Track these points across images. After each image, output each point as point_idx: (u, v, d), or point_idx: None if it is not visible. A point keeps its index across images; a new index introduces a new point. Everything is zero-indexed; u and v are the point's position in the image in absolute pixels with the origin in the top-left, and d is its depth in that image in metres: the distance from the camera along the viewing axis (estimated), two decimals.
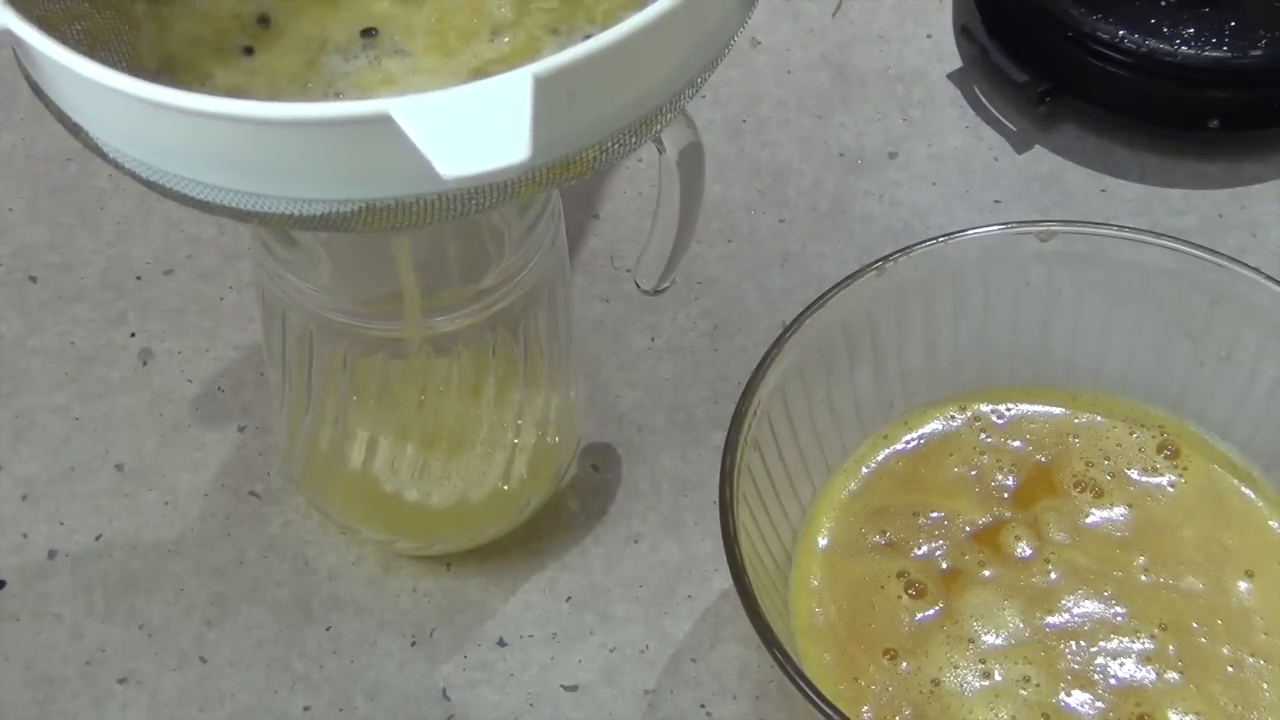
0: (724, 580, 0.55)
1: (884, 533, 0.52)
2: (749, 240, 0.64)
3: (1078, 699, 0.49)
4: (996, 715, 0.48)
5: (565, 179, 0.40)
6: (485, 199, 0.40)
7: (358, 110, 0.36)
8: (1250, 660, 0.49)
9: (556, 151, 0.39)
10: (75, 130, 0.41)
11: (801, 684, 0.45)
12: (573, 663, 0.54)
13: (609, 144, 0.40)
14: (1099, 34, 0.65)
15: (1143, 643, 0.50)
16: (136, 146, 0.40)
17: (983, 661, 0.49)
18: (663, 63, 0.40)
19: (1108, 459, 0.53)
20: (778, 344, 0.51)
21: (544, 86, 0.36)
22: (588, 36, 0.43)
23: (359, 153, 0.38)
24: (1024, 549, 0.52)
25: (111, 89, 0.37)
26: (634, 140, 0.41)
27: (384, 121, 0.36)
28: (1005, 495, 0.53)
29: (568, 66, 0.37)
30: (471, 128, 0.35)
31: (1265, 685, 0.49)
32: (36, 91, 0.41)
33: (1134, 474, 0.53)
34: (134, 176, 0.41)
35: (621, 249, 0.64)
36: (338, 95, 0.44)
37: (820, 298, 0.52)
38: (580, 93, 0.38)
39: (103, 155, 0.41)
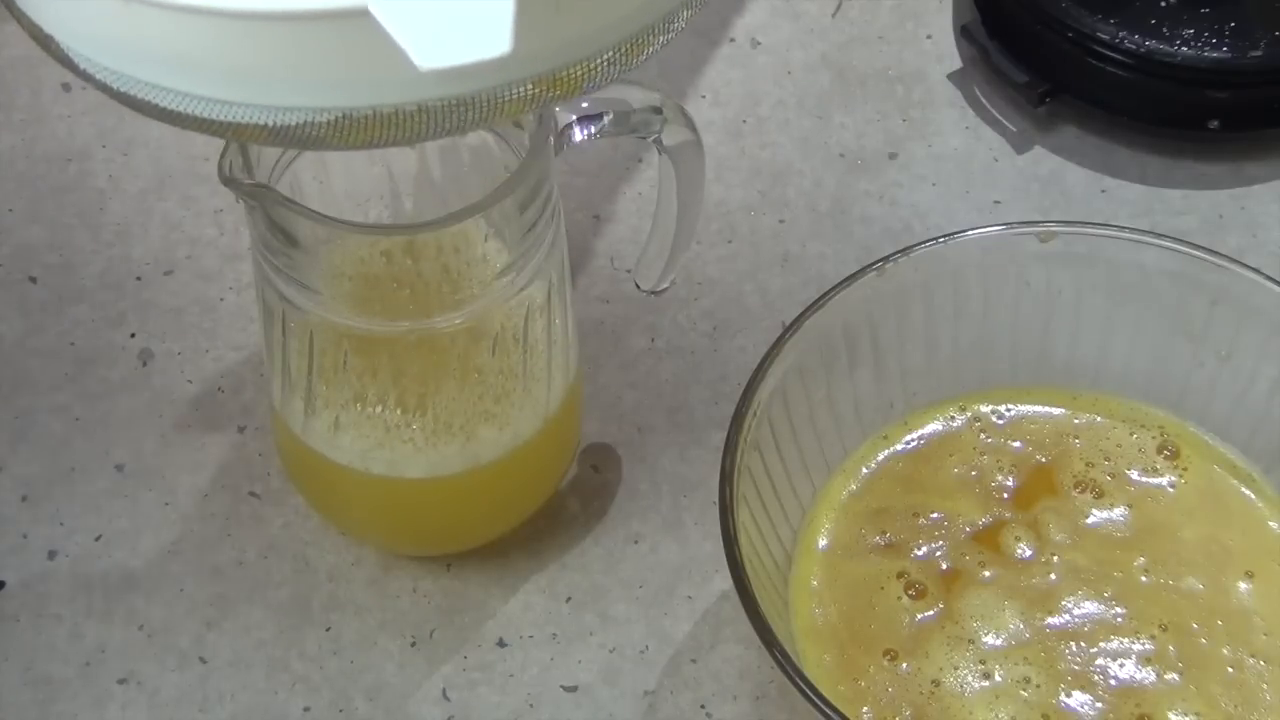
0: (724, 581, 0.55)
1: (884, 533, 0.52)
2: (749, 240, 0.64)
3: (1078, 700, 0.49)
4: (996, 716, 0.48)
5: (551, 97, 0.39)
6: (468, 113, 0.38)
7: (334, 4, 0.35)
8: (1250, 661, 0.49)
9: (542, 64, 0.38)
10: (45, 41, 0.40)
11: (801, 685, 0.45)
12: (573, 663, 0.54)
13: (596, 61, 0.39)
14: (1099, 34, 0.65)
15: (1143, 643, 0.50)
16: (106, 53, 0.39)
17: (983, 662, 0.49)
18: None
19: (1108, 459, 0.53)
20: (778, 344, 0.51)
21: None
22: None
23: (335, 51, 0.37)
24: (1024, 549, 0.52)
25: None
26: (623, 60, 0.40)
27: (361, 15, 0.35)
28: (1005, 496, 0.53)
29: None
30: (451, 20, 0.34)
31: (1265, 686, 0.49)
32: (5, 4, 0.41)
33: (1134, 474, 0.53)
34: (105, 89, 0.40)
35: (621, 249, 0.64)
36: None
37: (820, 298, 0.52)
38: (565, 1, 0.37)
39: (73, 67, 0.40)
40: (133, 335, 0.62)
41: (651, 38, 0.40)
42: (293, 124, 0.38)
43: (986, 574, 0.51)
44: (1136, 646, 0.50)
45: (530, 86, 0.39)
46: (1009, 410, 0.55)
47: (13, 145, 0.67)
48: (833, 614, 0.51)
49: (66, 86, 0.68)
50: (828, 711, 0.44)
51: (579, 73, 0.39)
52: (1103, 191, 0.66)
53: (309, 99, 0.38)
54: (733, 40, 0.70)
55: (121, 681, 0.54)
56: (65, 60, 0.40)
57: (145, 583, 0.56)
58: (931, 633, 0.50)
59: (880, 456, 0.54)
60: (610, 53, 0.40)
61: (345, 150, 0.40)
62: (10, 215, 0.65)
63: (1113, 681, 0.49)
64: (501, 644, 0.55)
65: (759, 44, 0.70)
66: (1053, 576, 0.51)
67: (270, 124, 0.38)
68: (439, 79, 0.34)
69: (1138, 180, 0.66)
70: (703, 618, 0.55)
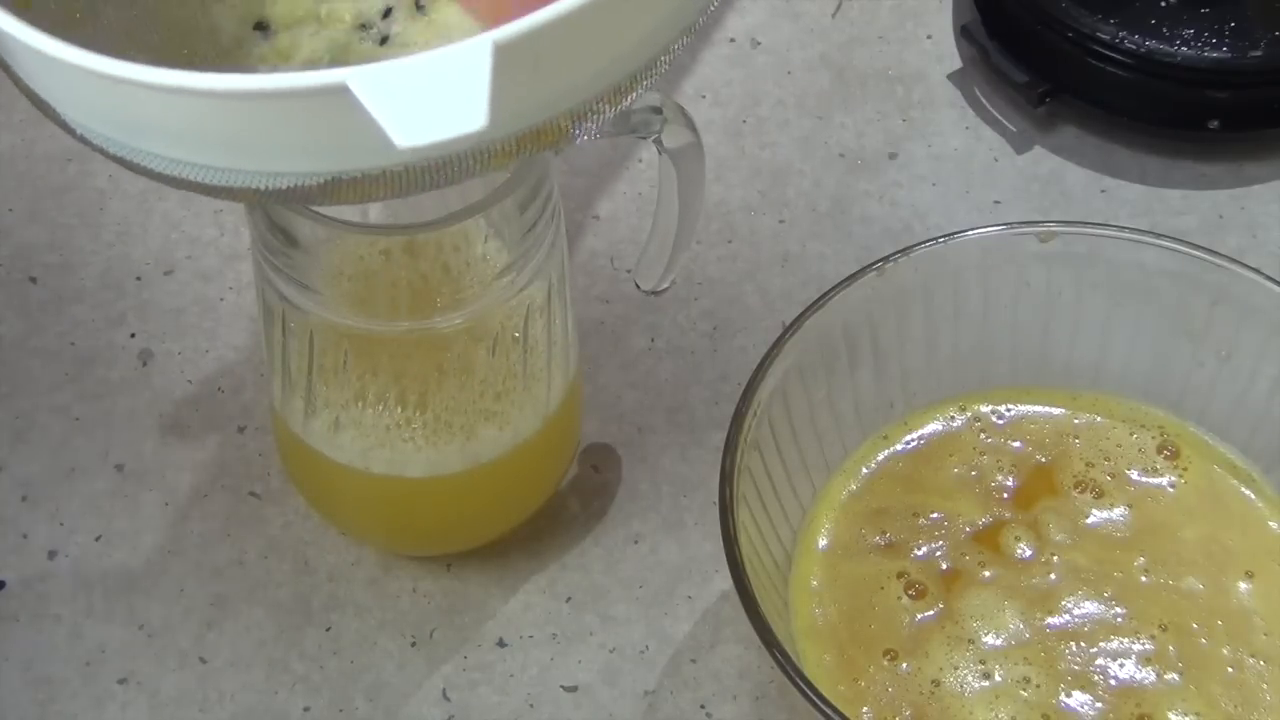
0: (724, 581, 0.55)
1: (884, 533, 0.52)
2: (749, 240, 0.64)
3: (1078, 700, 0.49)
4: (996, 716, 0.48)
5: (539, 147, 0.39)
6: (453, 169, 0.39)
7: (314, 81, 0.36)
8: (1250, 661, 0.49)
9: (525, 121, 0.38)
10: (43, 107, 0.41)
11: (801, 685, 0.45)
12: (573, 663, 0.54)
13: (581, 112, 0.39)
14: (1099, 34, 0.65)
15: (1143, 643, 0.50)
16: (102, 123, 0.39)
17: (983, 662, 0.49)
18: (633, 28, 0.39)
19: (1108, 459, 0.53)
20: (778, 344, 0.51)
21: (505, 53, 0.35)
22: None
23: (319, 125, 0.37)
24: (1024, 549, 0.52)
25: (75, 66, 0.37)
26: (608, 108, 0.40)
27: (340, 92, 0.35)
28: (1005, 496, 0.53)
29: (530, 32, 0.36)
30: (428, 97, 0.35)
31: (1265, 686, 0.49)
32: (7, 71, 0.41)
33: (1134, 474, 0.53)
34: (103, 153, 0.40)
35: (621, 249, 0.64)
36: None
37: (820, 298, 0.52)
38: (545, 59, 0.37)
39: (71, 132, 0.40)
40: (133, 335, 0.62)
41: (635, 83, 0.40)
42: (284, 187, 0.39)
43: (986, 574, 0.51)
44: (1136, 646, 0.50)
45: (514, 143, 0.39)
46: (1009, 410, 0.55)
47: (13, 145, 0.67)
48: (833, 614, 0.51)
49: None
50: (828, 711, 0.44)
51: (564, 123, 0.39)
52: (1103, 191, 0.66)
53: (299, 165, 0.38)
54: (733, 40, 0.70)
55: (121, 681, 0.54)
56: (63, 125, 0.41)
57: (145, 583, 0.56)
58: (931, 633, 0.50)
59: (880, 456, 0.54)
60: (597, 100, 0.40)
61: (337, 205, 0.40)
62: (10, 215, 0.65)
63: (1113, 681, 0.49)
64: (501, 644, 0.55)
65: (759, 44, 0.70)
66: (1053, 576, 0.51)
67: (262, 188, 0.39)
68: (410, 150, 0.34)
69: (1138, 180, 0.66)
70: (703, 618, 0.55)
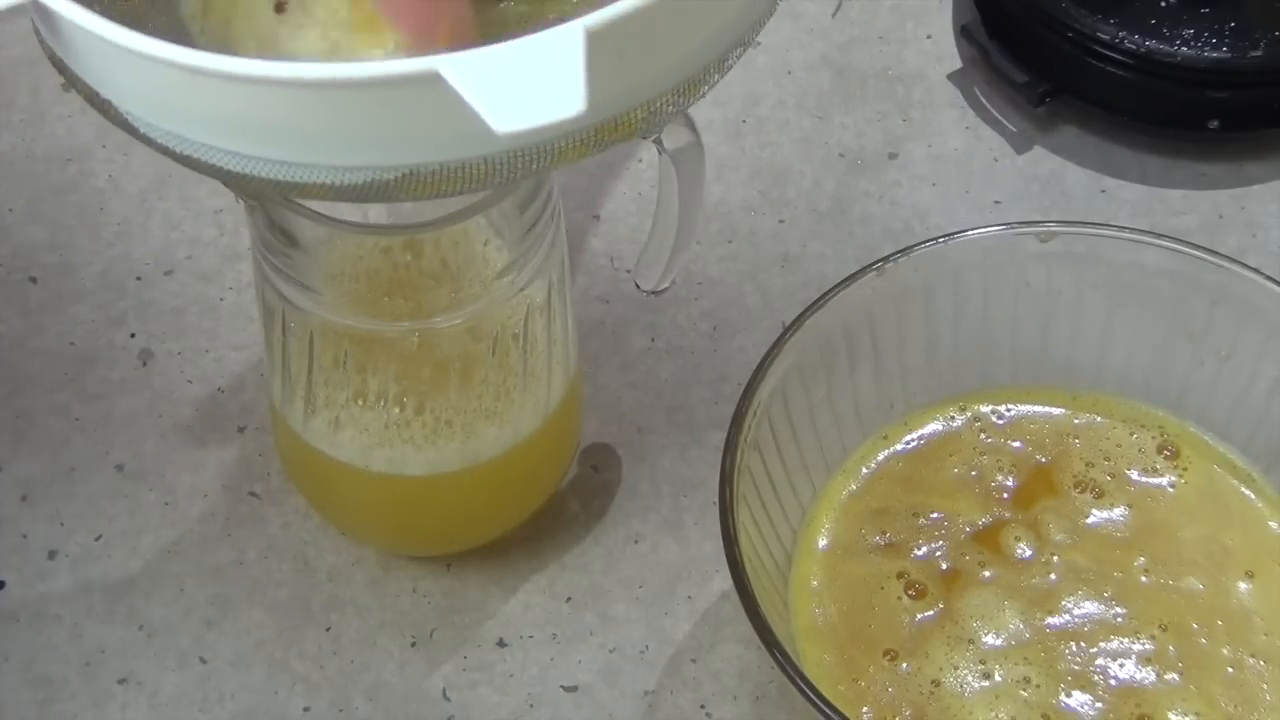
0: (724, 580, 0.55)
1: (884, 533, 0.52)
2: (749, 240, 0.64)
3: (1078, 700, 0.49)
4: (996, 716, 0.48)
5: (610, 141, 0.39)
6: (530, 162, 0.39)
7: (405, 68, 0.35)
8: (1250, 661, 0.49)
9: (604, 111, 0.38)
10: (104, 106, 0.40)
11: (801, 685, 0.45)
12: (572, 663, 0.54)
13: (656, 104, 0.39)
14: (1099, 34, 0.65)
15: (1143, 643, 0.50)
16: (167, 118, 0.38)
17: (983, 662, 0.49)
18: (711, 20, 0.40)
19: (1108, 459, 0.53)
20: (778, 344, 0.51)
21: (595, 40, 0.35)
22: None
23: (405, 114, 0.37)
24: (1024, 549, 0.52)
25: (142, 54, 0.36)
26: (681, 101, 0.40)
27: (432, 80, 0.34)
28: (1005, 496, 0.53)
29: (617, 20, 0.36)
30: (524, 82, 0.34)
31: (1265, 686, 0.49)
32: (60, 68, 0.40)
33: (1134, 474, 0.53)
34: (167, 152, 0.39)
35: (621, 249, 0.64)
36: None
37: (820, 298, 0.52)
38: (629, 49, 0.37)
39: (134, 131, 0.39)
40: (133, 335, 0.62)
41: (707, 78, 0.41)
42: (359, 182, 0.38)
43: (986, 574, 0.51)
44: (1136, 646, 0.50)
45: (593, 133, 0.39)
46: (1009, 410, 0.55)
47: (13, 145, 0.67)
48: (833, 614, 0.51)
49: (66, 86, 0.68)
50: (828, 711, 0.44)
51: (639, 115, 0.39)
52: (1103, 191, 0.66)
53: (377, 159, 0.38)
54: None
55: (121, 681, 0.54)
56: (123, 124, 0.40)
57: (145, 583, 0.56)
58: (931, 633, 0.50)
59: (880, 456, 0.54)
60: (669, 94, 0.40)
61: (410, 200, 0.40)
62: (10, 215, 0.65)
63: (1113, 681, 0.49)
64: (501, 644, 0.55)
65: (759, 44, 0.70)
66: (1053, 576, 0.51)
67: (335, 183, 0.38)
68: (509, 135, 0.34)
69: (1138, 180, 0.66)
70: (703, 618, 0.55)
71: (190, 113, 0.38)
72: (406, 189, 0.38)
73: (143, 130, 0.39)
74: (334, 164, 0.38)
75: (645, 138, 0.43)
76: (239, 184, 0.39)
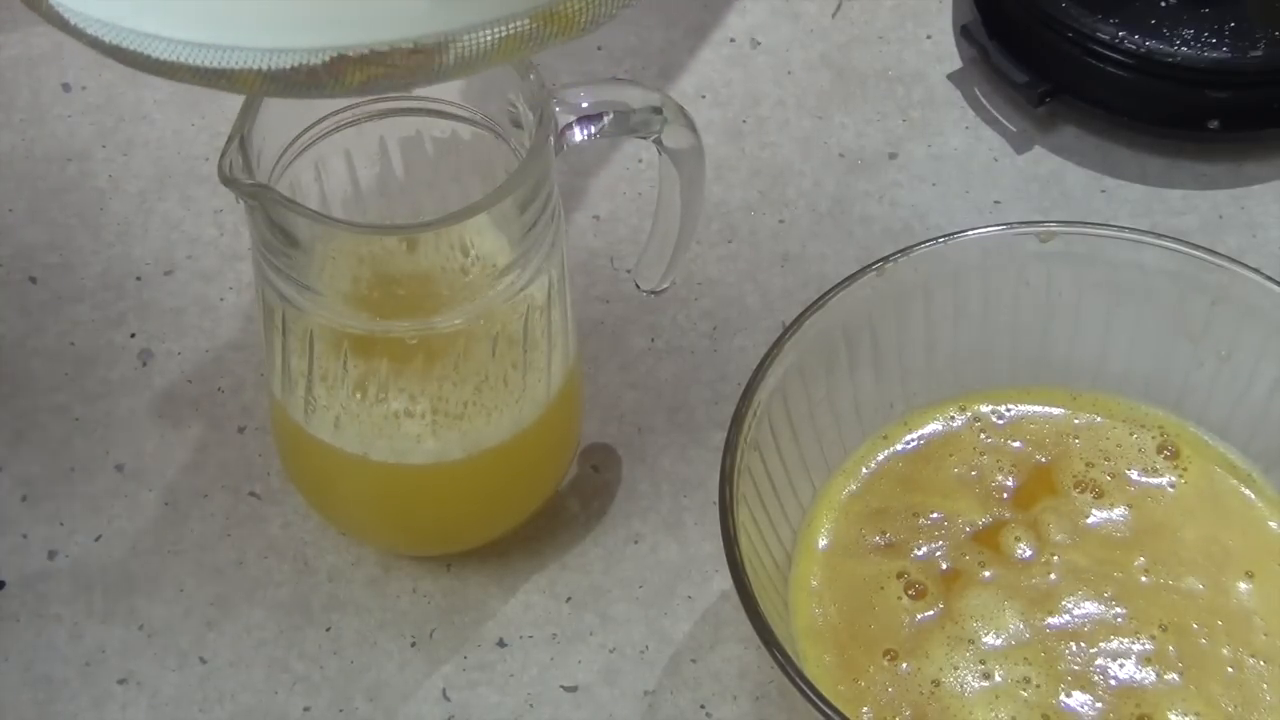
0: (724, 580, 0.55)
1: (884, 533, 0.52)
2: (749, 240, 0.64)
3: (1078, 700, 0.49)
4: (996, 716, 0.48)
5: (549, 34, 0.39)
6: (465, 51, 0.38)
7: None
8: (1250, 661, 0.49)
9: None
10: (35, 1, 0.40)
11: (801, 685, 0.45)
12: (572, 663, 0.54)
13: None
14: (1099, 34, 0.65)
15: (1143, 643, 0.50)
16: (96, 5, 0.38)
17: (983, 662, 0.49)
18: None
19: (1108, 459, 0.53)
20: (778, 344, 0.51)
21: None
22: None
23: None
24: (1024, 550, 0.52)
25: None
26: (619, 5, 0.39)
27: None
28: (1005, 496, 0.53)
29: None
30: None
31: (1265, 686, 0.49)
32: None
33: (1134, 474, 0.53)
34: (97, 44, 0.39)
35: (621, 249, 0.64)
36: None
37: (820, 298, 0.52)
38: None
39: (63, 24, 0.39)
40: (133, 335, 0.62)
41: None
42: (287, 66, 0.38)
43: (986, 574, 0.51)
44: (1136, 646, 0.50)
45: (527, 22, 0.38)
46: (1009, 410, 0.55)
47: (13, 145, 0.67)
48: (833, 614, 0.51)
49: (66, 87, 0.68)
50: (828, 711, 0.44)
51: (577, 7, 0.39)
52: (1103, 191, 0.66)
53: (303, 40, 0.38)
54: (733, 40, 0.70)
55: (121, 681, 0.54)
56: (54, 18, 0.40)
57: (145, 583, 0.56)
58: (931, 633, 0.50)
59: (880, 456, 0.54)
60: None
61: (342, 96, 0.39)
62: (10, 215, 0.65)
63: (1113, 681, 0.49)
64: (501, 644, 0.55)
65: (759, 44, 0.70)
66: (1053, 576, 0.51)
67: (265, 68, 0.38)
68: (434, 14, 0.34)
69: (1138, 180, 0.66)
70: (703, 618, 0.55)
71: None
72: (336, 77, 0.38)
73: (73, 22, 0.39)
74: (260, 46, 0.38)
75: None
76: (171, 74, 0.39)
